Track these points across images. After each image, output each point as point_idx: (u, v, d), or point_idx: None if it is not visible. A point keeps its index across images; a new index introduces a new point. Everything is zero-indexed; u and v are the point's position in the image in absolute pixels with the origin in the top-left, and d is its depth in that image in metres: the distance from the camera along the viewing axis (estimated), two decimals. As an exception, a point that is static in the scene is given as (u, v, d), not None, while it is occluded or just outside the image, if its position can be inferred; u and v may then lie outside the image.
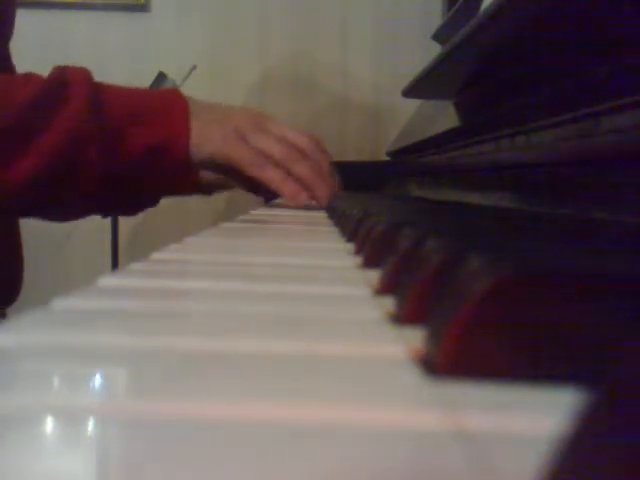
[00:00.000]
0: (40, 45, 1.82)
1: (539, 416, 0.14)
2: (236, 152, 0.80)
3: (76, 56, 1.91)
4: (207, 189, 1.08)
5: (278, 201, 1.05)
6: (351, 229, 0.48)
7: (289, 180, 0.81)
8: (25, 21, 1.84)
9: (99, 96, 0.77)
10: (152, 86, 1.56)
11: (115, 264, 1.64)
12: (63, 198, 0.79)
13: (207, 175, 1.02)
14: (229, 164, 0.81)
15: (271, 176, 0.80)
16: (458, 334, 0.16)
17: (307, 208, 0.86)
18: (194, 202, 1.60)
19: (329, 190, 0.84)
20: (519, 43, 0.58)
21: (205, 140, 0.81)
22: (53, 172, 0.75)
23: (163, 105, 0.81)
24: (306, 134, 0.87)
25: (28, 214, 0.90)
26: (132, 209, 0.97)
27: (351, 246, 0.44)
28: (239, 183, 0.92)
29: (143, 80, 1.59)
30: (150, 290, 0.28)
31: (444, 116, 0.92)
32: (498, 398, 0.15)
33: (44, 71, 0.78)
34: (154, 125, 0.80)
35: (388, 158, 1.45)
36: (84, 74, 0.78)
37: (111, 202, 0.87)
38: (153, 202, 1.02)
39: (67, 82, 0.76)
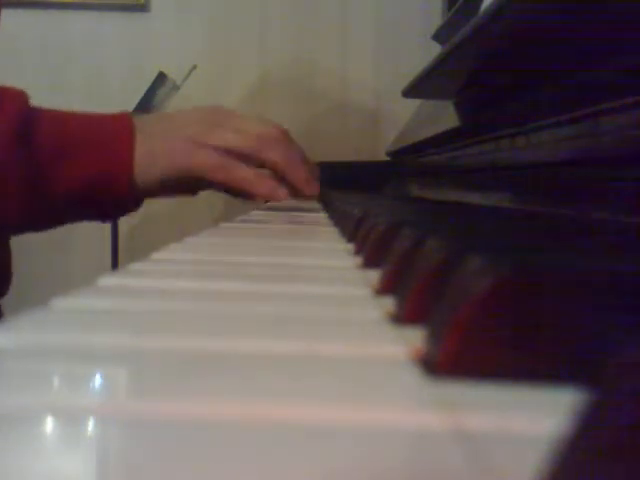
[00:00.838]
0: (39, 45, 1.82)
1: (539, 416, 0.14)
2: (192, 161, 0.73)
3: (75, 56, 1.91)
4: (190, 190, 1.03)
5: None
6: (351, 229, 0.48)
7: (262, 176, 0.74)
8: (24, 21, 1.84)
9: (30, 126, 0.70)
10: (152, 86, 1.56)
11: (115, 264, 1.64)
12: None
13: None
14: (189, 175, 0.73)
15: (242, 176, 0.73)
16: (458, 334, 0.16)
17: (309, 210, 0.85)
18: (194, 202, 1.60)
19: (307, 174, 0.77)
20: (519, 43, 0.58)
21: (152, 162, 0.73)
22: None
23: (103, 132, 0.73)
24: (272, 124, 0.78)
25: None
26: (108, 216, 0.91)
27: (351, 246, 0.44)
28: (220, 189, 0.83)
29: (143, 80, 1.59)
30: (150, 290, 0.28)
31: (444, 116, 0.92)
32: (498, 398, 0.15)
33: (44, 72, 0.76)
34: (90, 159, 0.72)
35: (388, 158, 1.45)
36: (18, 98, 0.71)
37: (56, 226, 0.82)
38: (136, 207, 0.98)
39: None
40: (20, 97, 0.71)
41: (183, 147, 0.73)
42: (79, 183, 0.72)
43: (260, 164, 0.75)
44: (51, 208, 0.73)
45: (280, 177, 0.76)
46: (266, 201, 0.96)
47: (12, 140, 0.68)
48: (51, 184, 0.71)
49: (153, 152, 0.73)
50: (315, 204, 0.93)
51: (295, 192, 0.78)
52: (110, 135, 0.73)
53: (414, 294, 0.21)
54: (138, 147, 0.73)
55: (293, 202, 0.98)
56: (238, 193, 0.79)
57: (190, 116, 0.77)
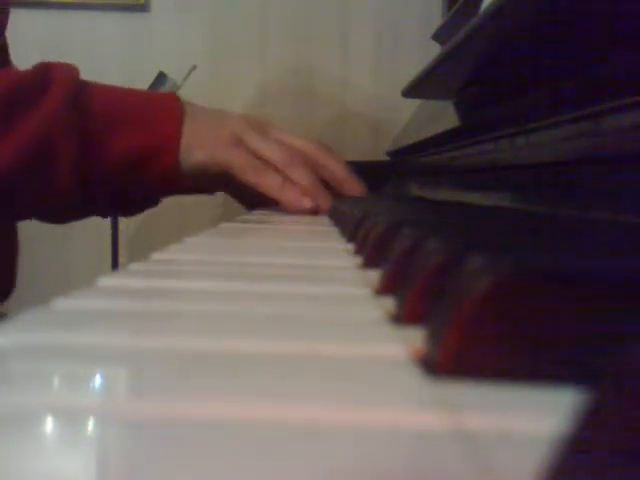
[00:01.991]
0: (39, 45, 1.82)
1: (539, 416, 0.14)
2: (229, 157, 0.76)
3: (75, 56, 1.90)
4: (215, 186, 1.05)
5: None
6: (351, 229, 0.48)
7: (288, 185, 0.76)
8: (24, 21, 1.84)
9: (81, 95, 0.73)
10: (152, 86, 1.56)
11: (115, 264, 1.64)
12: (39, 196, 0.75)
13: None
14: (223, 170, 0.76)
15: (269, 182, 0.76)
16: (458, 334, 0.16)
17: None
18: (194, 202, 1.60)
19: (327, 202, 0.79)
20: (519, 43, 0.58)
21: (196, 146, 0.76)
22: (24, 166, 0.71)
23: (154, 109, 0.77)
24: (311, 141, 0.82)
25: (14, 214, 0.85)
26: (128, 210, 0.94)
27: (351, 246, 0.44)
28: (235, 193, 0.87)
29: (143, 80, 1.59)
30: (150, 290, 0.28)
31: (444, 116, 0.92)
32: (498, 398, 0.15)
33: None
34: (140, 130, 0.75)
35: (388, 158, 1.45)
36: (69, 71, 0.74)
37: (103, 203, 0.84)
38: (153, 203, 1.00)
39: (49, 77, 0.72)
40: (71, 70, 0.74)
41: (225, 141, 0.76)
42: (128, 153, 0.74)
43: (287, 178, 0.78)
44: (101, 176, 0.75)
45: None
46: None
47: (64, 111, 0.70)
48: (101, 152, 0.73)
49: (198, 137, 0.76)
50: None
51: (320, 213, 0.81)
52: (160, 111, 0.76)
53: (414, 294, 0.21)
54: (185, 131, 0.75)
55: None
56: (256, 200, 0.82)
57: (234, 117, 0.81)
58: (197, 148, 0.76)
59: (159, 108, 0.77)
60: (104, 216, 0.99)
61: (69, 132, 0.71)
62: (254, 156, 0.77)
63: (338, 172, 0.83)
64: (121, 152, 0.74)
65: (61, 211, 0.83)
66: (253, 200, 0.84)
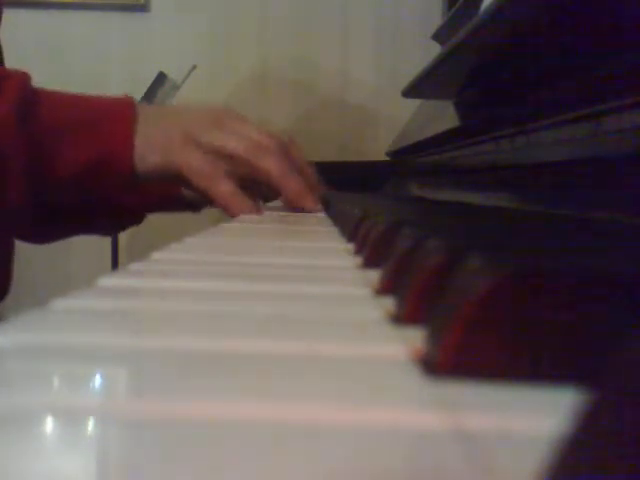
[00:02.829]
0: (39, 45, 1.83)
1: (539, 416, 0.14)
2: (184, 160, 0.71)
3: (75, 56, 1.91)
4: (194, 206, 1.00)
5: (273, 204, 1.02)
6: (351, 229, 0.48)
7: (240, 196, 0.72)
8: (24, 21, 1.84)
9: (32, 105, 0.69)
10: (152, 86, 1.56)
11: (115, 264, 1.64)
12: None
13: (190, 191, 0.97)
14: (178, 173, 0.72)
15: (222, 191, 0.72)
16: (458, 334, 0.16)
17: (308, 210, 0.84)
18: (194, 202, 1.60)
19: (302, 187, 0.75)
20: (519, 43, 0.58)
21: (150, 150, 0.72)
22: None
23: (106, 115, 0.73)
24: (274, 134, 0.76)
25: None
26: (110, 229, 0.90)
27: (351, 246, 0.44)
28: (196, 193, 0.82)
29: (143, 80, 1.59)
30: (150, 290, 0.28)
31: (444, 116, 0.92)
32: (498, 398, 0.15)
33: (44, 72, 0.76)
34: (92, 137, 0.71)
35: (388, 158, 1.45)
36: (20, 80, 0.70)
37: (61, 217, 0.81)
38: (136, 220, 0.98)
39: None
40: (21, 78, 0.70)
41: (177, 141, 0.72)
42: (81, 163, 0.71)
43: (253, 171, 0.74)
44: (54, 187, 0.72)
45: (273, 188, 0.75)
46: (266, 200, 0.94)
47: (13, 121, 0.67)
48: (53, 163, 0.70)
49: (151, 142, 0.72)
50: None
51: (289, 205, 0.77)
52: (112, 118, 0.73)
53: (414, 294, 0.21)
54: (139, 135, 0.72)
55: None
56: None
57: (192, 114, 0.76)
58: (150, 152, 0.72)
59: (111, 115, 0.73)
60: (84, 234, 0.97)
61: (19, 146, 0.68)
62: (211, 158, 0.73)
63: (301, 162, 0.79)
64: (73, 163, 0.71)
65: (13, 227, 0.79)
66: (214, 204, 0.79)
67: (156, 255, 0.37)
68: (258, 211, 0.74)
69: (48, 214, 0.78)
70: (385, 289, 0.27)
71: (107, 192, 0.77)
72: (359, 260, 0.36)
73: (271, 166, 0.73)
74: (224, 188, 0.72)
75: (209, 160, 0.72)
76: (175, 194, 0.95)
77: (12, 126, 0.67)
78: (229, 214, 0.73)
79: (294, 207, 0.77)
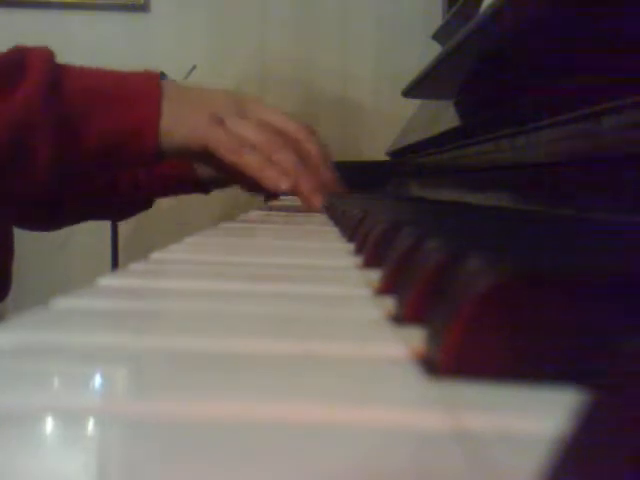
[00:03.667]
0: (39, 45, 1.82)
1: (539, 416, 0.14)
2: (211, 136, 0.74)
3: (75, 56, 1.90)
4: (204, 187, 1.02)
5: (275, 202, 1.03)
6: (351, 229, 0.48)
7: (269, 165, 0.73)
8: (24, 21, 1.84)
9: (58, 78, 0.70)
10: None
11: (115, 264, 1.64)
12: (17, 183, 0.72)
13: (203, 171, 0.97)
14: (204, 150, 0.74)
15: (248, 161, 0.73)
16: (458, 334, 0.16)
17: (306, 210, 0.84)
18: (194, 202, 1.60)
19: (312, 186, 0.76)
20: (519, 43, 0.58)
21: (177, 126, 0.74)
22: (1, 153, 0.68)
23: (132, 89, 0.74)
24: (297, 122, 0.79)
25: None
26: (120, 214, 0.91)
27: (351, 246, 0.44)
28: (220, 172, 0.85)
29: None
30: (150, 290, 0.28)
31: (444, 116, 0.92)
32: (498, 398, 0.15)
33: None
34: (119, 111, 0.73)
35: (388, 158, 1.45)
36: (44, 54, 0.71)
37: (88, 202, 0.82)
38: (146, 204, 0.99)
39: (24, 61, 0.70)
40: (46, 54, 0.72)
41: (205, 121, 0.74)
42: (107, 136, 0.72)
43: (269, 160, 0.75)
44: (80, 160, 0.73)
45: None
46: (267, 197, 0.94)
47: (41, 93, 0.68)
48: (80, 137, 0.71)
49: (177, 118, 0.74)
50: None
51: (300, 201, 0.78)
52: (139, 93, 0.74)
53: (414, 294, 0.21)
54: (165, 110, 0.73)
55: (292, 203, 0.98)
56: (246, 181, 0.79)
57: (217, 95, 0.78)
58: (177, 127, 0.74)
59: (138, 89, 0.74)
60: (96, 219, 0.98)
61: (47, 119, 0.69)
62: (235, 136, 0.74)
63: (316, 157, 0.79)
64: (99, 136, 0.72)
65: (39, 203, 0.80)
66: (247, 182, 0.81)
67: (156, 255, 0.37)
68: (286, 182, 0.74)
69: (63, 195, 0.78)
70: (385, 289, 0.27)
71: (132, 166, 0.79)
72: (359, 260, 0.36)
73: (286, 162, 0.74)
74: (253, 158, 0.73)
75: (233, 136, 0.74)
76: (190, 176, 0.96)
77: (39, 99, 0.68)
78: (260, 181, 0.74)
79: (304, 204, 0.78)
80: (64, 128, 0.70)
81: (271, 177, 0.73)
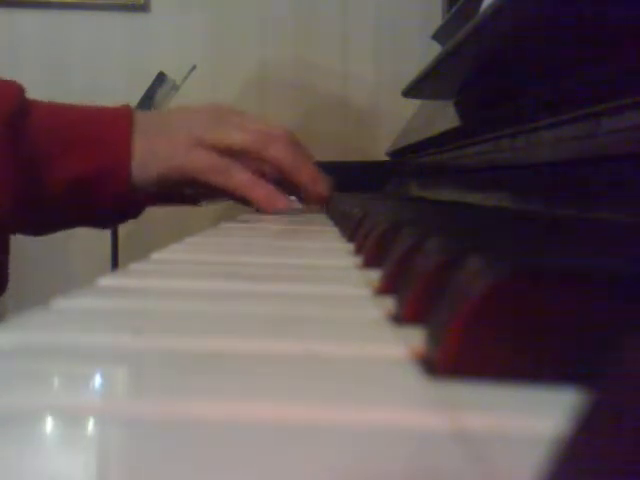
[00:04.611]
0: (39, 45, 1.82)
1: (539, 416, 0.14)
2: (190, 161, 0.69)
3: (75, 57, 1.91)
4: (192, 199, 1.01)
5: None
6: (351, 229, 0.48)
7: (258, 182, 0.70)
8: (24, 21, 1.84)
9: (22, 117, 0.66)
10: (152, 86, 1.56)
11: (115, 264, 1.64)
12: None
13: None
14: (186, 177, 0.70)
15: (237, 181, 0.69)
16: (458, 334, 0.16)
17: (308, 210, 0.84)
18: (194, 202, 1.60)
19: (315, 172, 0.73)
20: (519, 43, 0.58)
21: (151, 158, 0.70)
22: None
23: (101, 127, 0.70)
24: (276, 124, 0.75)
25: None
26: (107, 220, 0.88)
27: (351, 246, 0.44)
28: (209, 195, 0.81)
29: (143, 80, 1.59)
30: (150, 290, 0.28)
31: (444, 116, 0.92)
32: (498, 398, 0.15)
33: (44, 72, 0.75)
34: (87, 151, 0.69)
35: (388, 158, 1.45)
36: (11, 90, 0.67)
37: (56, 223, 0.79)
38: (136, 214, 0.97)
39: None
40: (12, 89, 0.68)
41: (183, 146, 0.70)
42: (75, 179, 0.69)
43: (263, 162, 0.72)
44: (47, 206, 0.70)
45: (285, 177, 0.73)
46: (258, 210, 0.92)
47: (7, 132, 0.65)
48: (45, 180, 0.68)
49: (152, 150, 0.70)
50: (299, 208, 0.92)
51: (303, 195, 0.75)
52: (107, 130, 0.70)
53: (414, 294, 0.21)
54: (137, 144, 0.70)
55: (292, 203, 0.97)
56: (237, 198, 0.76)
57: (191, 115, 0.75)
58: (152, 161, 0.70)
59: (107, 126, 0.71)
60: (80, 226, 0.96)
61: (6, 158, 0.65)
62: (218, 154, 0.70)
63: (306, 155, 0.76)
64: (67, 179, 0.69)
65: (9, 231, 0.75)
66: (238, 198, 0.77)
67: (156, 255, 0.37)
68: (280, 199, 0.71)
69: (46, 207, 0.76)
70: (385, 289, 0.27)
71: (103, 207, 0.74)
72: (359, 260, 0.36)
73: (281, 154, 0.71)
74: (241, 176, 0.70)
75: (218, 156, 0.70)
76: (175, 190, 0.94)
77: (3, 141, 0.65)
78: (252, 201, 0.71)
79: (307, 198, 0.75)
80: (28, 169, 0.67)
81: (264, 196, 0.70)
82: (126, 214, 0.82)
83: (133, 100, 1.53)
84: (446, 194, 0.89)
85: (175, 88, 1.57)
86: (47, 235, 0.90)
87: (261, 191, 0.70)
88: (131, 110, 0.73)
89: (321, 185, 0.74)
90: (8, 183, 0.66)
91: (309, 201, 0.77)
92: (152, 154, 0.70)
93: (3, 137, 0.65)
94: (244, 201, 0.75)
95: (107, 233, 1.65)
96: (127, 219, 0.94)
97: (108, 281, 0.28)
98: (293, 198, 0.78)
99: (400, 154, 1.29)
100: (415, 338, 0.19)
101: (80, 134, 0.70)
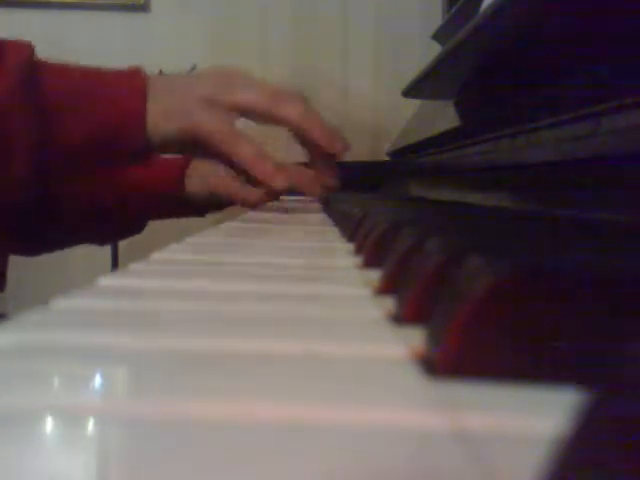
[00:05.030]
0: (39, 46, 1.82)
1: (539, 416, 0.14)
2: (202, 123, 0.70)
3: (75, 56, 1.91)
4: (199, 209, 0.99)
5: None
6: (351, 229, 0.48)
7: (262, 158, 0.70)
8: (24, 21, 1.84)
9: (37, 73, 0.67)
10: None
11: (115, 264, 1.64)
12: None
13: (194, 187, 0.93)
14: (196, 139, 0.70)
15: (242, 152, 0.69)
16: (458, 334, 0.16)
17: (308, 210, 0.84)
18: (194, 202, 1.60)
19: (330, 131, 0.71)
20: (519, 43, 0.58)
21: (165, 117, 0.70)
22: None
23: (116, 84, 0.71)
24: (291, 89, 0.74)
25: None
26: (111, 234, 0.88)
27: (351, 246, 0.44)
28: (211, 161, 0.79)
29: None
30: (150, 290, 0.28)
31: (444, 116, 0.92)
32: (498, 398, 0.15)
33: None
34: (103, 106, 0.69)
35: (388, 158, 1.45)
36: (23, 48, 0.68)
37: (82, 227, 0.79)
38: (137, 227, 0.97)
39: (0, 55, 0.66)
40: (24, 48, 0.69)
41: (194, 106, 0.70)
42: (91, 133, 0.69)
43: (276, 121, 0.71)
44: (64, 156, 0.70)
45: (298, 136, 0.72)
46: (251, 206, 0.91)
47: (16, 91, 0.65)
48: (61, 133, 0.68)
49: (166, 109, 0.71)
50: (315, 204, 0.92)
51: (317, 158, 0.74)
52: (123, 89, 0.71)
53: (414, 294, 0.21)
54: (151, 103, 0.70)
55: (292, 203, 0.97)
56: (239, 171, 0.75)
57: (205, 77, 0.75)
58: (165, 120, 0.70)
59: (122, 83, 0.71)
60: (84, 243, 0.95)
61: (23, 115, 0.66)
62: (230, 119, 0.70)
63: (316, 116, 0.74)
64: (83, 132, 0.69)
65: (18, 204, 0.75)
66: (239, 171, 0.76)
67: (156, 255, 0.37)
68: (282, 178, 0.70)
69: (48, 218, 0.76)
70: (385, 289, 0.27)
71: (120, 162, 0.74)
72: (359, 260, 0.36)
73: (293, 112, 0.71)
74: (247, 148, 0.70)
75: (228, 121, 0.70)
76: (178, 195, 0.94)
77: (15, 96, 0.65)
78: (254, 174, 0.71)
79: (325, 154, 0.73)
80: (44, 122, 0.67)
81: (266, 172, 0.70)
82: (130, 228, 0.82)
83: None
84: (446, 194, 0.89)
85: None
86: (47, 252, 0.89)
87: (264, 167, 0.70)
88: (143, 72, 0.73)
89: (337, 141, 0.73)
90: (25, 134, 0.66)
91: (323, 168, 0.75)
92: (165, 112, 0.71)
93: (19, 89, 0.65)
94: (245, 175, 0.75)
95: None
96: (131, 234, 0.93)
97: (108, 281, 0.28)
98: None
99: (400, 154, 1.29)
100: (415, 338, 0.19)
101: (93, 91, 0.70)
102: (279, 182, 0.70)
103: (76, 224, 0.74)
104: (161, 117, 0.71)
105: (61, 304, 0.23)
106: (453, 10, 0.98)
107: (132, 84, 0.71)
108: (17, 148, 0.66)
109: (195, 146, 0.73)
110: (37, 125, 0.67)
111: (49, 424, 0.14)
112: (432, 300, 0.20)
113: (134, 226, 0.91)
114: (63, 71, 0.72)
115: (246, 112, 0.72)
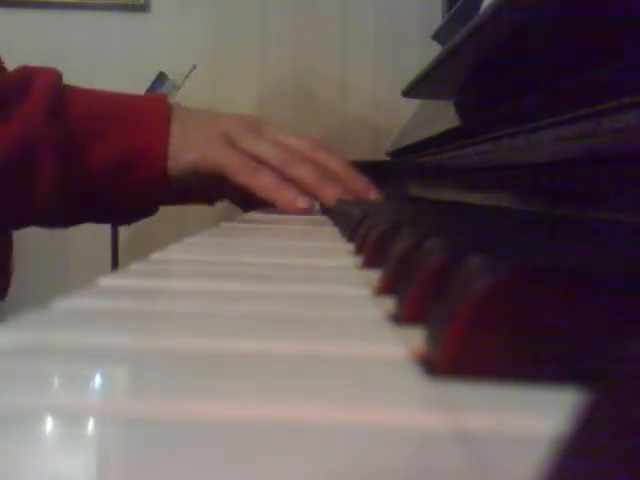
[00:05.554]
0: (39, 46, 1.82)
1: (539, 416, 0.14)
2: (222, 158, 0.72)
3: (75, 56, 1.91)
4: (209, 198, 1.03)
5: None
6: (351, 229, 0.48)
7: (283, 185, 0.72)
8: (23, 21, 1.84)
9: (63, 102, 0.69)
10: (152, 86, 1.56)
11: (115, 264, 1.64)
12: (20, 205, 0.70)
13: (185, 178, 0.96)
14: (215, 172, 0.73)
15: (263, 182, 0.71)
16: (458, 334, 0.16)
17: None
18: (194, 202, 1.60)
19: (337, 192, 0.75)
20: (519, 43, 0.58)
21: (186, 149, 0.72)
22: (3, 174, 0.67)
23: (140, 112, 0.73)
24: (307, 138, 0.79)
25: None
26: (124, 219, 0.90)
27: (351, 246, 0.44)
28: (230, 194, 0.83)
29: (143, 80, 1.59)
30: (150, 290, 0.28)
31: (444, 116, 0.92)
32: (498, 398, 0.15)
33: None
34: (125, 133, 0.71)
35: (388, 158, 1.45)
36: (50, 75, 0.70)
37: (90, 211, 0.81)
38: (151, 211, 0.98)
39: (29, 82, 0.68)
40: (51, 74, 0.70)
41: (216, 141, 0.72)
42: (113, 159, 0.71)
43: (288, 179, 0.74)
44: (86, 183, 0.71)
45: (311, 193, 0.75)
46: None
47: (44, 116, 0.67)
48: (85, 159, 0.70)
49: (187, 140, 0.72)
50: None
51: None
52: (146, 116, 0.72)
53: (414, 294, 0.21)
54: (174, 133, 0.72)
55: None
56: (252, 202, 0.78)
57: (229, 118, 0.77)
58: (186, 150, 0.72)
59: (145, 111, 0.73)
60: (98, 222, 0.97)
61: (50, 140, 0.68)
62: (246, 157, 0.73)
63: (340, 170, 0.78)
64: (105, 158, 0.71)
65: (45, 220, 0.78)
66: (249, 201, 0.80)
67: (156, 255, 0.37)
68: (303, 202, 0.73)
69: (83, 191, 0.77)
70: (385, 289, 0.27)
71: (140, 191, 0.75)
72: (359, 260, 0.36)
73: (304, 174, 0.73)
74: (266, 178, 0.72)
75: (248, 158, 0.72)
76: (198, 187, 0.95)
77: (42, 120, 0.67)
78: (275, 204, 0.73)
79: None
80: (68, 149, 0.69)
81: (288, 198, 0.72)
82: (159, 196, 0.83)
83: (133, 100, 1.53)
84: (446, 194, 0.89)
85: (175, 88, 1.57)
86: (67, 227, 0.91)
87: (284, 194, 0.72)
88: (167, 100, 0.75)
89: (371, 191, 0.77)
90: (49, 166, 0.68)
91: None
92: (186, 144, 0.72)
93: (45, 119, 0.67)
94: (258, 204, 0.77)
95: (107, 233, 1.65)
96: (144, 216, 0.94)
97: (108, 281, 0.28)
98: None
99: (400, 154, 1.29)
100: (415, 338, 0.19)
101: (118, 117, 0.72)
102: (302, 205, 0.72)
103: (49, 201, 0.74)
104: (182, 147, 0.72)
105: (61, 304, 0.23)
106: (453, 10, 0.98)
107: (155, 111, 0.73)
108: (42, 173, 0.68)
109: (213, 179, 0.75)
110: (61, 151, 0.68)
111: (49, 424, 0.14)
112: (432, 300, 0.20)
113: (148, 208, 0.91)
114: (87, 97, 0.73)
115: (261, 162, 0.73)
